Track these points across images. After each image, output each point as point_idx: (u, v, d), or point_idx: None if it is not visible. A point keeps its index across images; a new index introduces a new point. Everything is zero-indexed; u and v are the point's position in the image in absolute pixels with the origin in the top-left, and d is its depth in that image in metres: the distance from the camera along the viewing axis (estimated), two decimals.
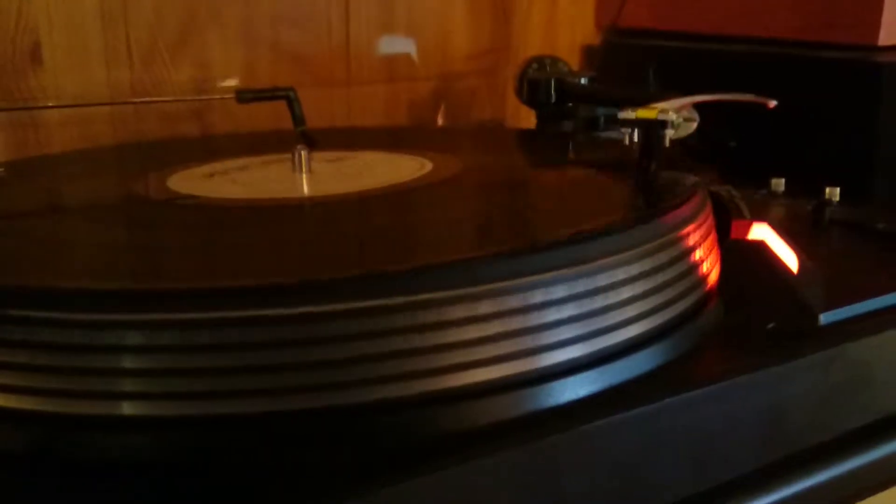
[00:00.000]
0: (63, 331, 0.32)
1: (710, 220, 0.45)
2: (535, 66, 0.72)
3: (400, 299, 0.32)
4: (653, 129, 0.45)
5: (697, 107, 0.48)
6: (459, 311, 0.32)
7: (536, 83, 0.69)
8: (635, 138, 0.49)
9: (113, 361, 0.31)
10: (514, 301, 0.33)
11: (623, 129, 0.46)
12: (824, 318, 0.41)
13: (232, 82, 0.72)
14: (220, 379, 0.31)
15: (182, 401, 0.32)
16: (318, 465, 0.30)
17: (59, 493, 0.30)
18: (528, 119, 0.74)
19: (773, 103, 0.48)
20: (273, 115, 0.67)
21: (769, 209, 0.57)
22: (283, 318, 0.31)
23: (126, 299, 0.32)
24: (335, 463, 0.30)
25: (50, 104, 0.65)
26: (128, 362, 0.31)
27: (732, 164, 0.61)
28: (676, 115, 0.45)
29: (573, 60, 0.85)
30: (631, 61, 0.78)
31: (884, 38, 0.64)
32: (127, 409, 0.32)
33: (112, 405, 0.32)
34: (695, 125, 0.47)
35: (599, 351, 0.35)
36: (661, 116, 0.45)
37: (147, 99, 0.69)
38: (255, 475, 0.30)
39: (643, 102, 0.49)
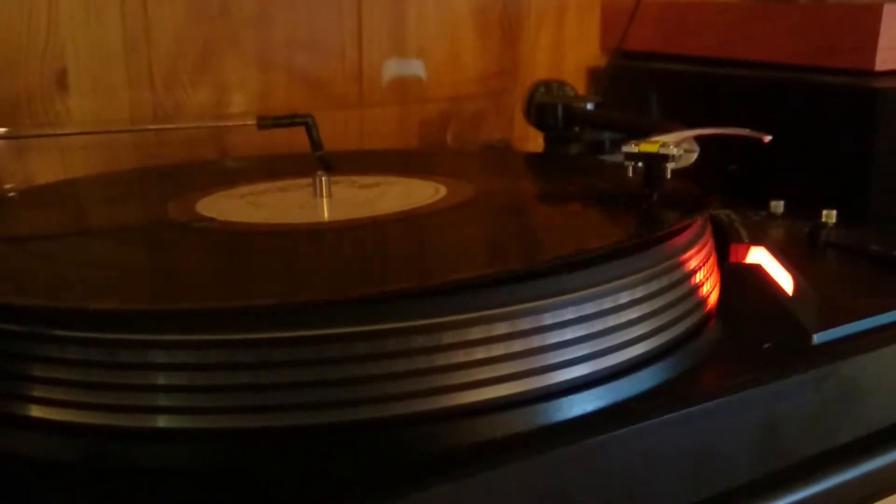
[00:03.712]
0: (102, 349, 0.34)
1: (710, 245, 0.46)
2: (542, 89, 0.73)
3: (419, 322, 0.34)
4: (655, 162, 0.46)
5: (697, 138, 0.50)
6: (476, 333, 0.35)
7: (544, 107, 0.71)
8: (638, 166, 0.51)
9: (145, 378, 0.34)
10: (527, 323, 0.36)
11: (626, 163, 0.47)
12: (817, 338, 0.43)
13: (240, 100, 0.75)
14: (245, 395, 0.33)
15: (210, 415, 0.34)
16: (339, 475, 0.32)
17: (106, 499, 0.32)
18: (535, 139, 0.76)
19: (767, 138, 0.50)
20: (290, 139, 0.68)
21: (768, 231, 0.58)
22: (314, 338, 0.33)
23: (152, 320, 0.34)
24: (354, 474, 0.32)
25: (75, 131, 0.67)
26: (159, 378, 0.34)
27: (733, 187, 0.63)
28: (677, 148, 0.46)
29: (579, 82, 0.87)
30: (635, 83, 0.80)
31: (880, 64, 0.65)
32: (161, 422, 0.34)
33: (147, 418, 0.34)
34: (695, 156, 0.48)
35: (605, 369, 0.37)
36: (663, 150, 0.46)
37: (169, 126, 0.72)
38: (281, 485, 0.32)
39: (646, 130, 0.50)
